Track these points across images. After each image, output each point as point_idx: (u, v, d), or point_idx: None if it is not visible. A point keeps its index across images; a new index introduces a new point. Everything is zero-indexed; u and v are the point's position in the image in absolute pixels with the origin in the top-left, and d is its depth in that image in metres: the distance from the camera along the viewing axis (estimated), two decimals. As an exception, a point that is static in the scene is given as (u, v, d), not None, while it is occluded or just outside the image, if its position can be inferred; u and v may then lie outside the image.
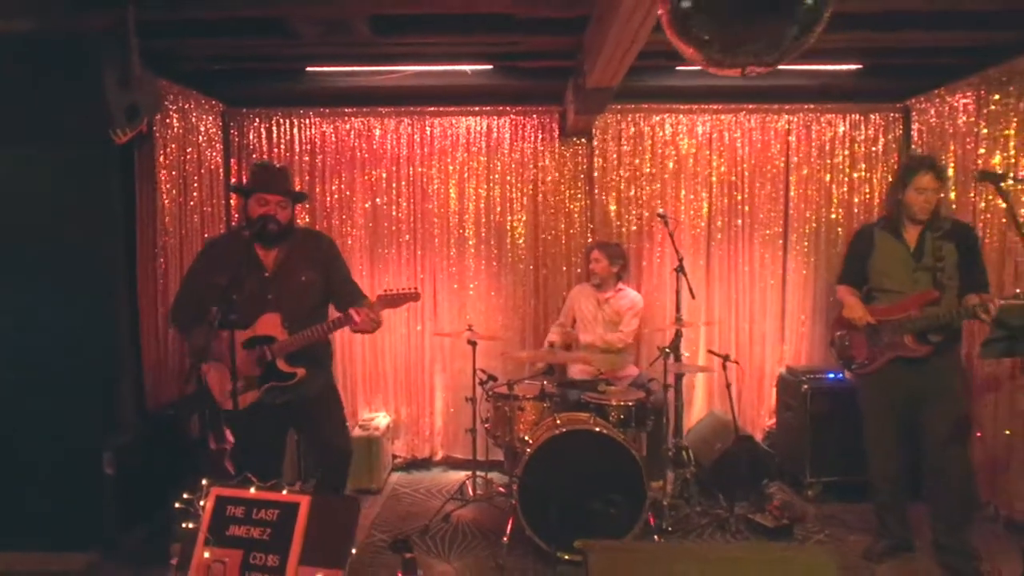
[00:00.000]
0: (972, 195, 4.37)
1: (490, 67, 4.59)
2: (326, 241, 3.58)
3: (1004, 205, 2.84)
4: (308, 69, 4.66)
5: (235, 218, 5.16)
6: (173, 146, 4.36)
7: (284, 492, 2.20)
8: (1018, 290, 3.00)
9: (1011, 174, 3.06)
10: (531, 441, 3.81)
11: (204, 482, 2.27)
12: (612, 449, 3.68)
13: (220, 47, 4.09)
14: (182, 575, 2.14)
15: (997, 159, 4.16)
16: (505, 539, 3.76)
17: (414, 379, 5.40)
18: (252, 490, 2.22)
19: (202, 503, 2.22)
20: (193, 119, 4.63)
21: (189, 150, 4.57)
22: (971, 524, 3.59)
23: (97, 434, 3.76)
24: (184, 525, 2.24)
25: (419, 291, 3.42)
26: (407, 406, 5.41)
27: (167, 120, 4.31)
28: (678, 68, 4.74)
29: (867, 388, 3.82)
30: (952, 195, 4.46)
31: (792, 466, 4.83)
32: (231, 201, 5.19)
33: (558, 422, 3.85)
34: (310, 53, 4.25)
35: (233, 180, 5.19)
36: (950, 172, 4.45)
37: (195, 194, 4.63)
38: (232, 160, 5.23)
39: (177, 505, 2.28)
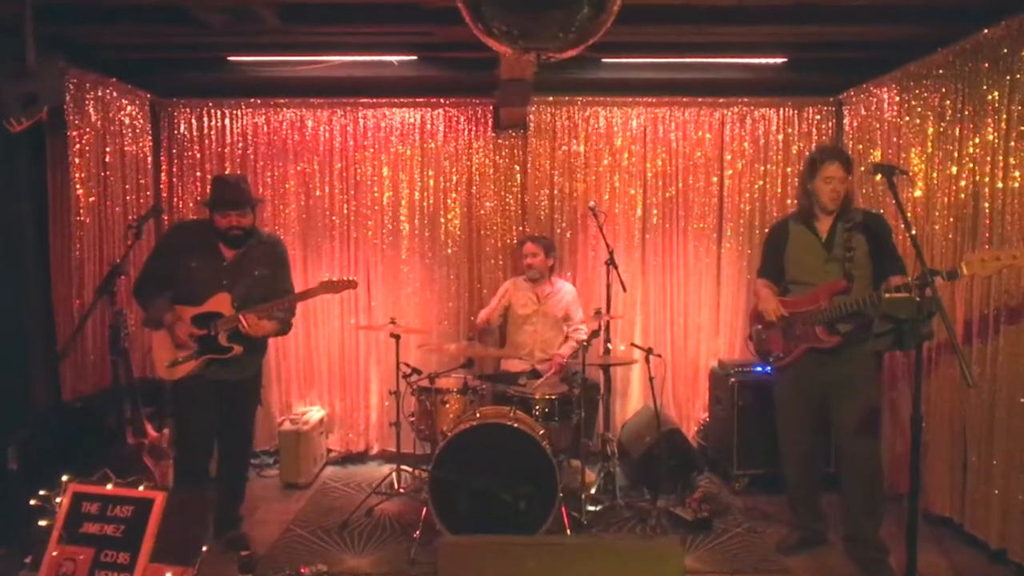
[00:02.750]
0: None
1: (414, 58, 4.54)
2: (281, 246, 3.96)
3: (894, 196, 2.85)
4: (229, 58, 4.59)
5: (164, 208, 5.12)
6: (89, 136, 4.27)
7: (141, 488, 2.17)
8: (898, 282, 3.00)
9: (899, 168, 3.06)
10: (448, 434, 3.79)
11: (64, 478, 2.23)
12: (525, 444, 3.66)
13: (128, 34, 4.02)
14: (33, 575, 2.10)
15: (914, 153, 4.18)
16: (416, 534, 3.73)
17: (349, 373, 5.35)
18: (109, 486, 2.18)
19: (59, 500, 2.18)
20: (115, 109, 4.55)
21: (109, 140, 4.49)
22: (879, 516, 3.55)
23: (4, 426, 3.69)
24: (39, 523, 2.21)
25: (356, 280, 3.90)
26: (341, 400, 5.36)
27: (83, 109, 4.22)
28: (612, 61, 4.74)
29: (783, 380, 3.82)
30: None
31: (722, 459, 4.86)
32: (161, 192, 5.14)
33: (477, 415, 3.83)
34: (225, 42, 4.19)
35: (163, 170, 5.16)
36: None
37: (116, 184, 4.55)
38: (162, 150, 5.15)
39: (33, 502, 2.24)
